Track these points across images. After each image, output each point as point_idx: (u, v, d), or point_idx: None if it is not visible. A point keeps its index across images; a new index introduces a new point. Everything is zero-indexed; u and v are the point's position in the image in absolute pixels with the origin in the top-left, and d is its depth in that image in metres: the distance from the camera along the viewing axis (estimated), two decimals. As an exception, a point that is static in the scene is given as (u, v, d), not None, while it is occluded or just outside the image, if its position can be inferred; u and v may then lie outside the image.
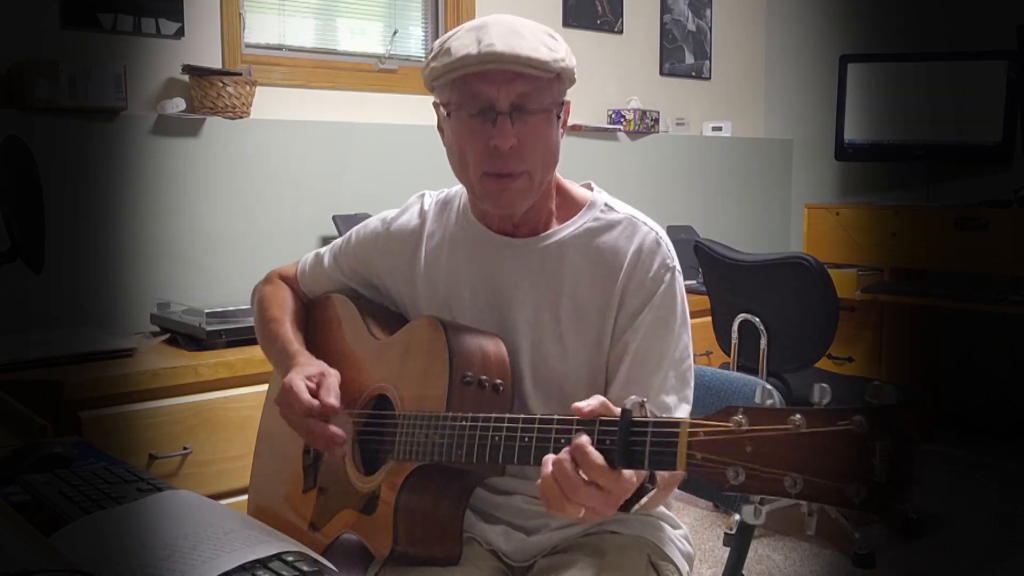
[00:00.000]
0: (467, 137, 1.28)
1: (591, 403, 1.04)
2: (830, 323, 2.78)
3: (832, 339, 2.82)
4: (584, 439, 1.01)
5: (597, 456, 1.00)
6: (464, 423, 1.17)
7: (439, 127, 1.34)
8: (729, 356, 2.96)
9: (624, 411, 1.00)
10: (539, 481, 1.04)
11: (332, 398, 1.29)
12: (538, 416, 1.10)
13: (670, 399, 1.29)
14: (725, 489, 0.89)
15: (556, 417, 1.08)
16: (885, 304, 3.83)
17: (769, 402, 0.91)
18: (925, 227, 3.77)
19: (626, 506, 1.04)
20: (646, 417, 0.99)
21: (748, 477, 0.87)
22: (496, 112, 1.24)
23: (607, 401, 1.05)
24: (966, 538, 3.08)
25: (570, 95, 1.36)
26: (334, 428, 1.27)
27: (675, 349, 1.31)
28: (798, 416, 0.85)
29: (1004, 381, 4.00)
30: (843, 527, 2.94)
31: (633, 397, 1.00)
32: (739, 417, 0.89)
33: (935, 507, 3.27)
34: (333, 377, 1.33)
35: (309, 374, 1.32)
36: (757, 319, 2.83)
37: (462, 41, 1.24)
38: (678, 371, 1.31)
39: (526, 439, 1.10)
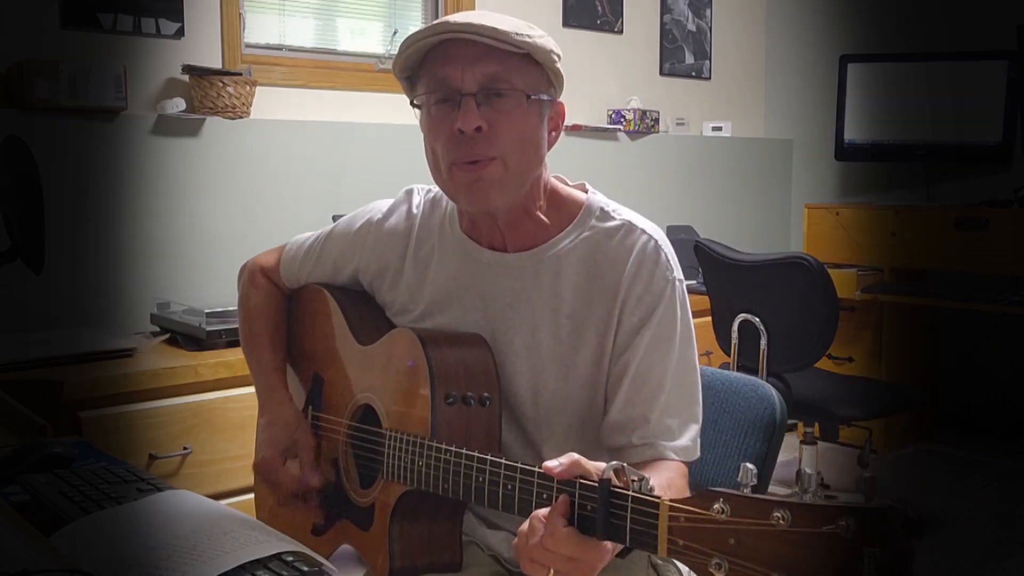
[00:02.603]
0: (434, 127, 1.21)
1: (563, 462, 1.00)
2: (830, 323, 2.78)
3: (832, 339, 2.82)
4: (562, 504, 0.98)
5: (561, 530, 0.97)
6: (449, 456, 1.14)
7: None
8: (729, 356, 2.96)
9: (602, 481, 0.95)
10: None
11: (315, 479, 1.34)
12: (520, 466, 1.06)
13: (673, 422, 1.23)
14: None
15: (537, 471, 1.04)
16: (885, 304, 3.82)
17: (751, 486, 0.86)
18: (925, 227, 3.77)
19: (622, 553, 1.02)
20: (626, 489, 0.94)
21: (731, 569, 0.83)
22: (461, 95, 1.17)
23: (580, 459, 1.00)
24: (966, 538, 3.08)
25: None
26: (315, 509, 1.36)
27: (678, 368, 1.24)
28: (780, 513, 0.80)
29: (1004, 381, 4.00)
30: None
31: (614, 463, 0.96)
32: (720, 505, 0.84)
33: (935, 507, 3.27)
34: (306, 448, 1.37)
35: (283, 446, 1.36)
36: (757, 319, 2.83)
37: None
38: (682, 390, 1.24)
39: (509, 487, 1.07)
